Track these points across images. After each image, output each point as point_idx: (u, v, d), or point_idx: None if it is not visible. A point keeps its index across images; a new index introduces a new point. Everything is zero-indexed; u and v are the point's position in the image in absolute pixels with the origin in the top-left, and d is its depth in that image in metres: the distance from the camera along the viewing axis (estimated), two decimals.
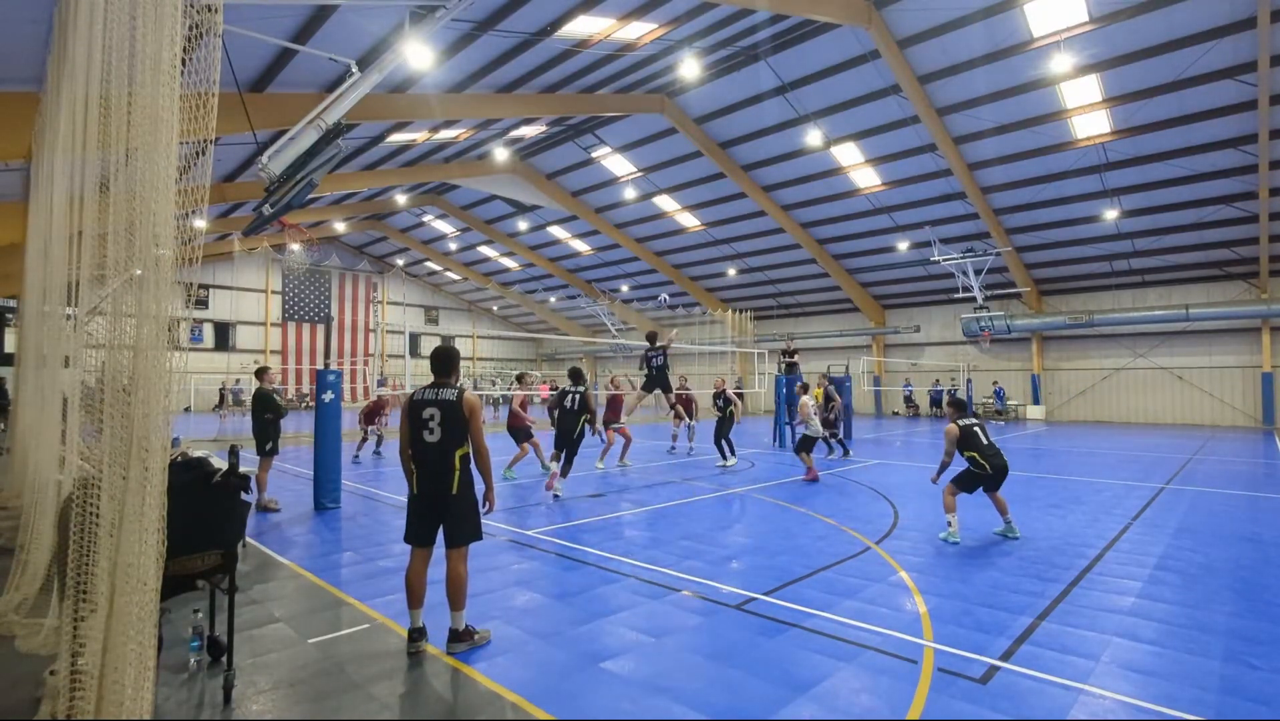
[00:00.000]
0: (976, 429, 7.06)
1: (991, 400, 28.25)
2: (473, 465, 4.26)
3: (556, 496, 9.31)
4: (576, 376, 10.01)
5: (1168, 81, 16.14)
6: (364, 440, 15.24)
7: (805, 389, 12.21)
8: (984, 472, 6.97)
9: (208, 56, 2.66)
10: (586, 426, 9.73)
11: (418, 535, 4.18)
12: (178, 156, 2.61)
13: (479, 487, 4.31)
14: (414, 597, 4.13)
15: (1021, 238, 23.93)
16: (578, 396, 9.71)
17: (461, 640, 4.10)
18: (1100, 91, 16.91)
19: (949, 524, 6.94)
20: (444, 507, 4.14)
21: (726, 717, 3.31)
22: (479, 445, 4.21)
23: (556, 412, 9.92)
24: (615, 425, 13.29)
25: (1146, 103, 16.89)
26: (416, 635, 4.08)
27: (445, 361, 4.35)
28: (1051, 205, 21.82)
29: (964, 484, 7.07)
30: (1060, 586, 5.37)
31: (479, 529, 4.25)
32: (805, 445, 11.20)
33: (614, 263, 34.19)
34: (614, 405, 13.64)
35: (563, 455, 9.57)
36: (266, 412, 8.65)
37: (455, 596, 4.10)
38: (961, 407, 7.31)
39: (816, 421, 11.33)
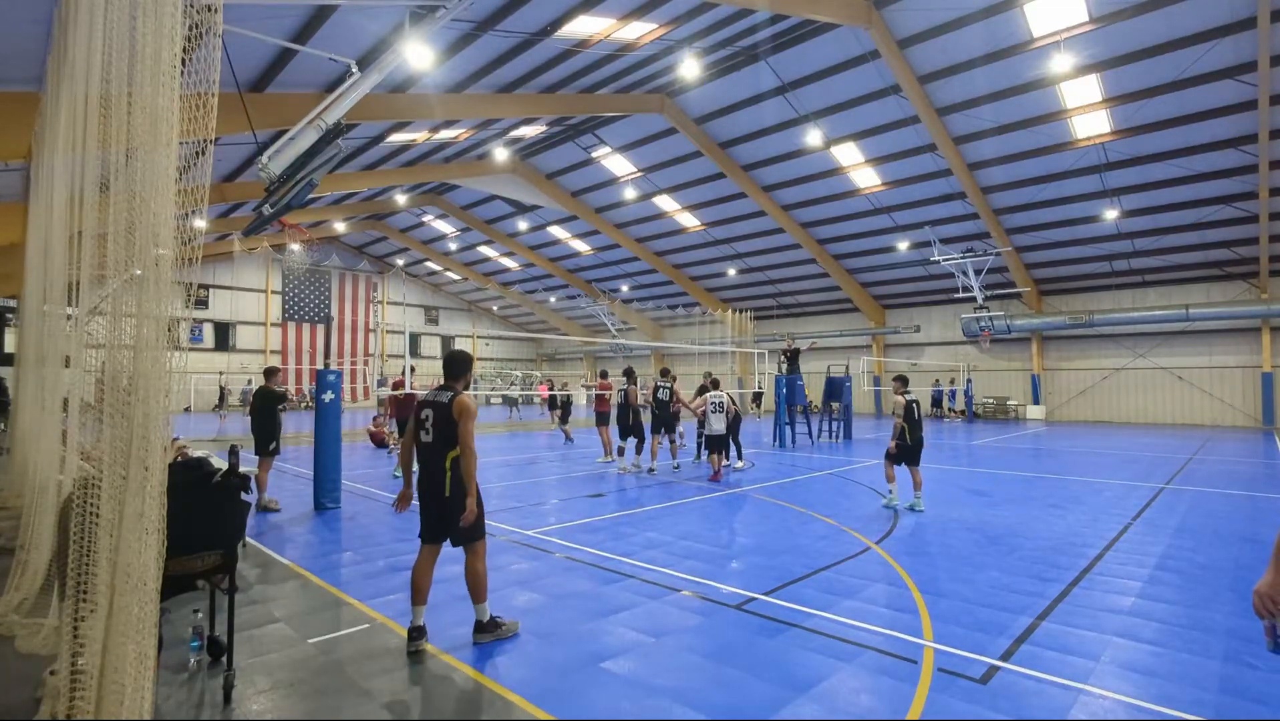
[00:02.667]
0: (913, 404, 8.66)
1: (992, 401, 28.34)
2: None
3: (651, 470, 11.83)
4: (629, 375, 12.33)
5: (1168, 81, 16.13)
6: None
7: (704, 387, 11.88)
8: (905, 444, 8.51)
9: (208, 56, 2.66)
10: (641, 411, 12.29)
11: (424, 532, 4.27)
12: (178, 156, 2.60)
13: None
14: (416, 594, 4.17)
15: (1021, 238, 23.93)
16: (624, 393, 12.17)
17: (486, 631, 4.20)
18: (1100, 91, 16.90)
19: (890, 491, 8.61)
20: (439, 508, 4.18)
21: (726, 717, 3.31)
22: (465, 447, 4.16)
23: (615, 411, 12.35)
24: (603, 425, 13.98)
25: (1146, 103, 16.88)
26: (416, 634, 4.08)
27: (451, 365, 4.42)
28: (1051, 205, 21.82)
29: (895, 456, 8.58)
30: (1060, 586, 5.37)
31: (479, 527, 4.26)
32: (710, 445, 11.14)
33: (614, 263, 34.19)
34: (602, 405, 14.30)
35: (628, 441, 12.29)
36: (279, 405, 8.73)
37: (473, 591, 4.22)
38: (906, 383, 8.92)
39: (715, 420, 10.98)
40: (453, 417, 4.14)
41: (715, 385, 11.36)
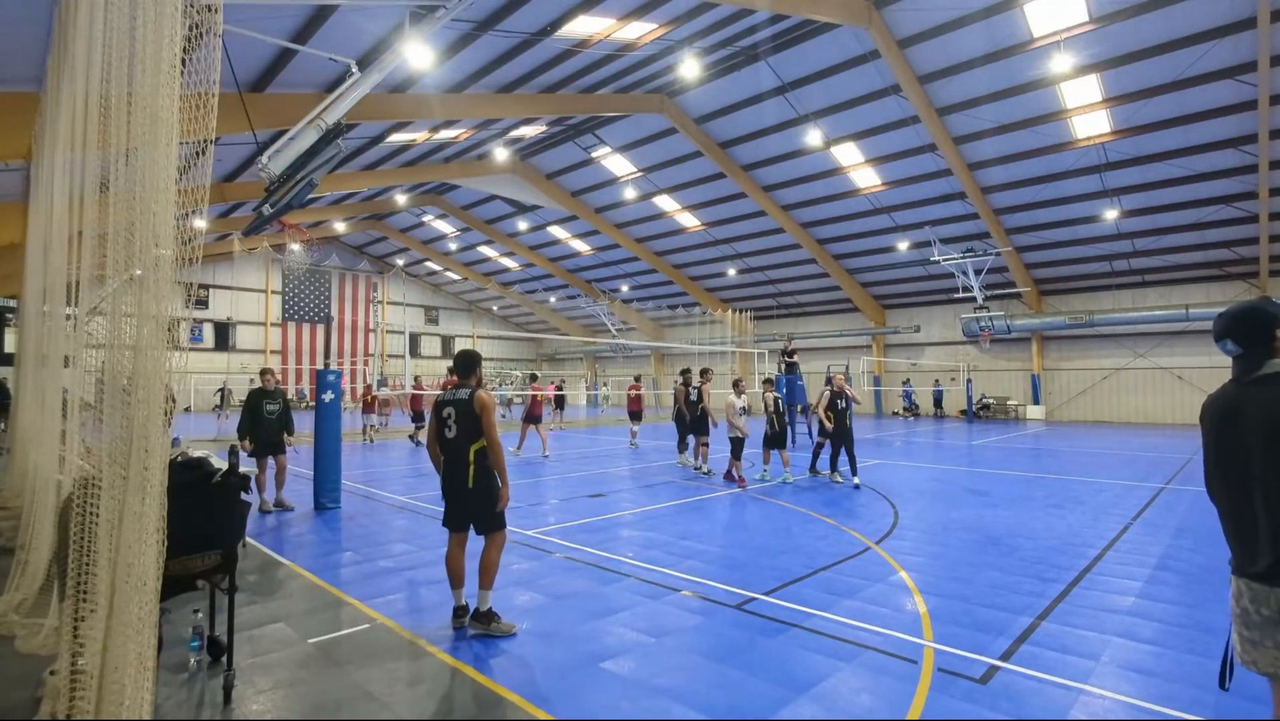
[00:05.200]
0: (778, 399, 10.98)
1: (992, 401, 28.36)
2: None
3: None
4: (686, 374, 13.03)
5: (1168, 81, 16.13)
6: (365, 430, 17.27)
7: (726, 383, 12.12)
8: (774, 430, 10.80)
9: (208, 56, 2.66)
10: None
11: (450, 522, 4.53)
12: (178, 156, 2.60)
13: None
14: (453, 579, 4.51)
15: (1021, 238, 23.92)
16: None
17: (481, 621, 4.33)
18: (1100, 91, 16.90)
19: (765, 469, 10.78)
20: (464, 499, 4.43)
21: (726, 717, 3.31)
22: (490, 440, 4.45)
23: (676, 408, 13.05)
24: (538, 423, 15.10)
25: (1146, 103, 16.88)
26: (460, 612, 4.47)
27: (462, 364, 4.67)
28: (1051, 205, 21.81)
29: (771, 442, 10.83)
30: (1060, 586, 5.37)
31: (500, 518, 4.51)
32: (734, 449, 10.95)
33: (614, 263, 34.19)
34: (535, 406, 15.27)
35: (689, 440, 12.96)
36: (265, 402, 8.67)
37: (482, 575, 4.39)
38: (772, 384, 11.15)
39: (741, 421, 10.81)
40: (475, 412, 4.40)
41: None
